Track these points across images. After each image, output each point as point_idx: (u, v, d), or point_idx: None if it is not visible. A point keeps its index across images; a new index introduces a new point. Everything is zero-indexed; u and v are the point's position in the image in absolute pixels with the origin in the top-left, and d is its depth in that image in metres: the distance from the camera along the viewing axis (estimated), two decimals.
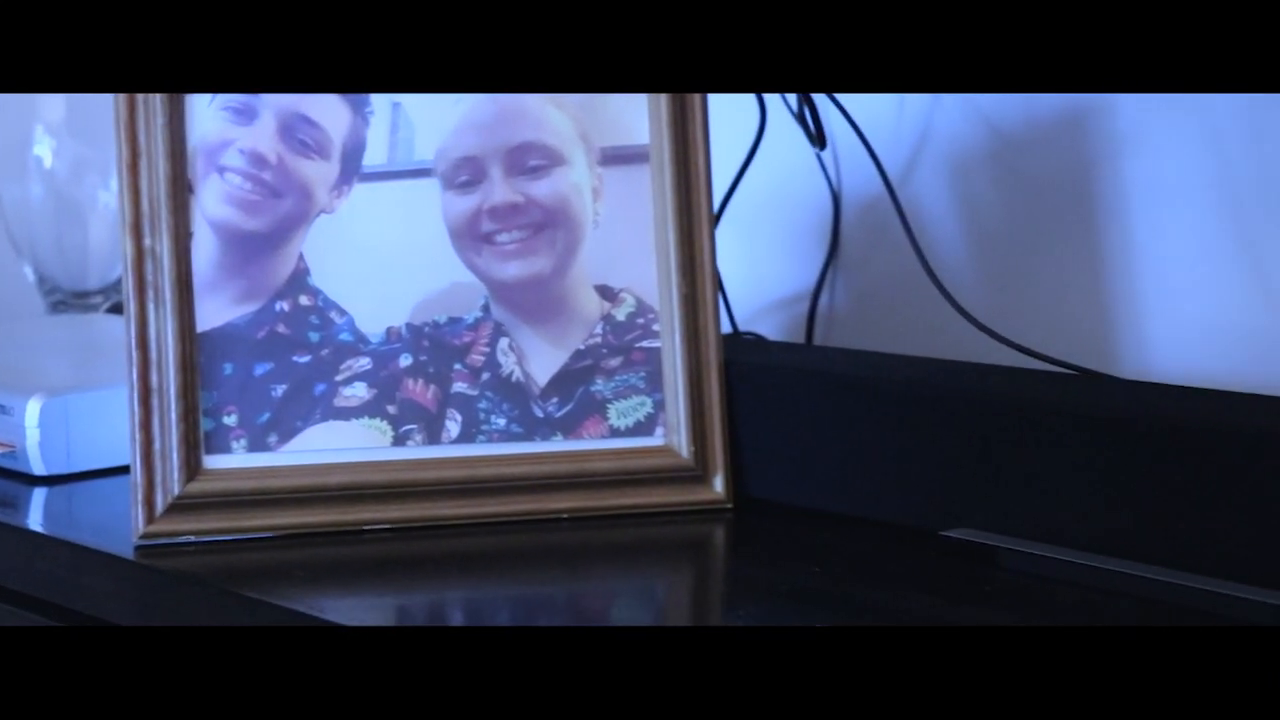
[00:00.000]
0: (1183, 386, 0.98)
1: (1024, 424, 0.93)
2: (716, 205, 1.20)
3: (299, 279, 0.99)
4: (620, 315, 1.02)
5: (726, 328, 1.18)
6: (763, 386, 1.03)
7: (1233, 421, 0.88)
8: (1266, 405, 0.91)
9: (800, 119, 1.15)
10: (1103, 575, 0.88)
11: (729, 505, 1.01)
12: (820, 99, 1.17)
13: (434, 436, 0.99)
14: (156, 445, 0.95)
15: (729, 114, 1.20)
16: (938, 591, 0.89)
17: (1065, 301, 1.13)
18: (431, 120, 1.00)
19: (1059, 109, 1.13)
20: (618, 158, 1.02)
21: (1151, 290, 1.09)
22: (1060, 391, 0.96)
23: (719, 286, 1.11)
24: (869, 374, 1.01)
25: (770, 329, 1.28)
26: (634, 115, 1.02)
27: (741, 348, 1.10)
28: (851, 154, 1.21)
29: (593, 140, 1.02)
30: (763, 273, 1.29)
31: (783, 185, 1.27)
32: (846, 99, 1.18)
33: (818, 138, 1.13)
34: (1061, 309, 1.13)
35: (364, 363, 0.99)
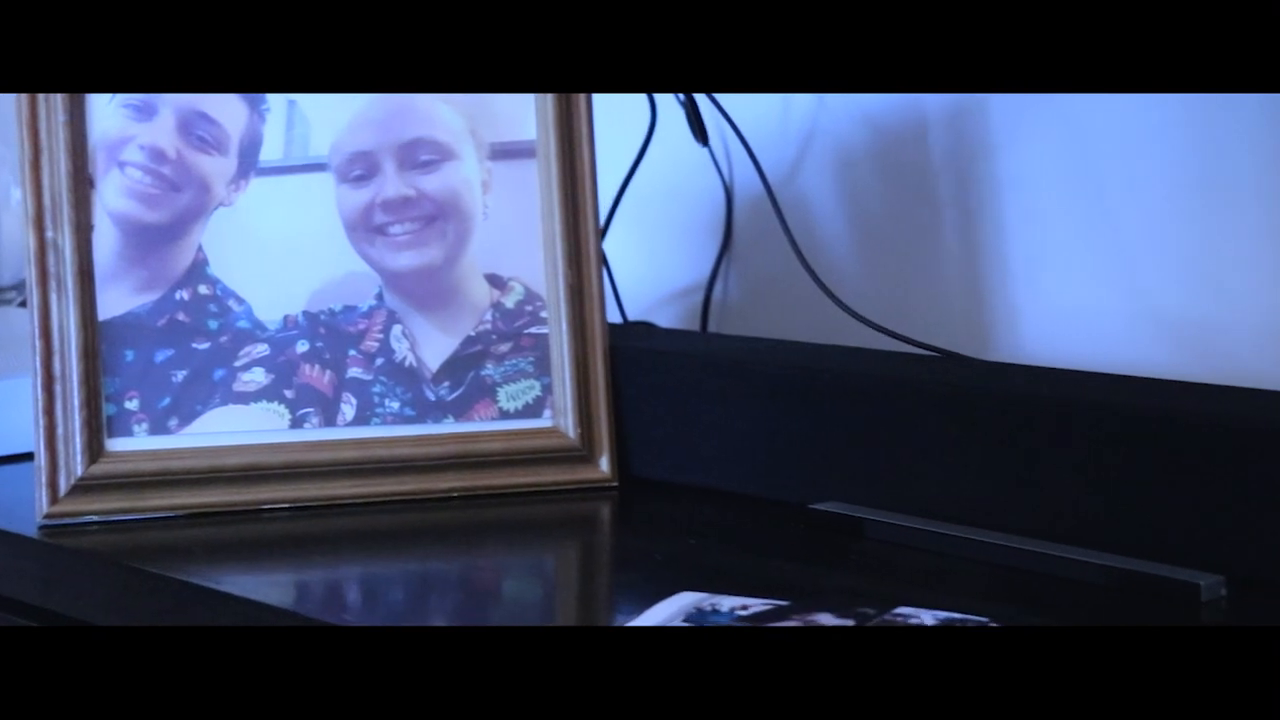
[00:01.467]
0: (1038, 366, 1.04)
1: (889, 403, 0.99)
2: (610, 200, 1.26)
3: (198, 269, 1.03)
4: (509, 303, 1.07)
5: (616, 316, 1.23)
6: (647, 371, 1.08)
7: (1079, 397, 0.93)
8: (1115, 382, 0.97)
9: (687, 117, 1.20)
10: (958, 542, 0.93)
11: (614, 483, 1.06)
12: (704, 98, 1.22)
13: (330, 419, 1.04)
14: (60, 429, 0.99)
15: (622, 111, 1.25)
16: (804, 560, 0.94)
17: (941, 289, 1.19)
18: (326, 117, 1.04)
19: (937, 107, 1.18)
20: (506, 153, 1.07)
21: (1021, 277, 1.15)
22: (923, 372, 1.01)
23: (608, 276, 1.16)
24: (744, 358, 1.06)
25: (668, 319, 1.33)
26: (521, 112, 1.07)
27: (628, 334, 1.15)
28: (742, 150, 1.26)
29: (482, 136, 1.06)
30: (661, 265, 1.34)
31: (677, 181, 1.31)
32: (734, 98, 1.23)
33: (700, 134, 1.18)
34: (938, 297, 1.19)
35: (262, 349, 1.03)
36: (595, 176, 1.08)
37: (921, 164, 1.19)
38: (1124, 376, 0.99)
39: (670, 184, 1.32)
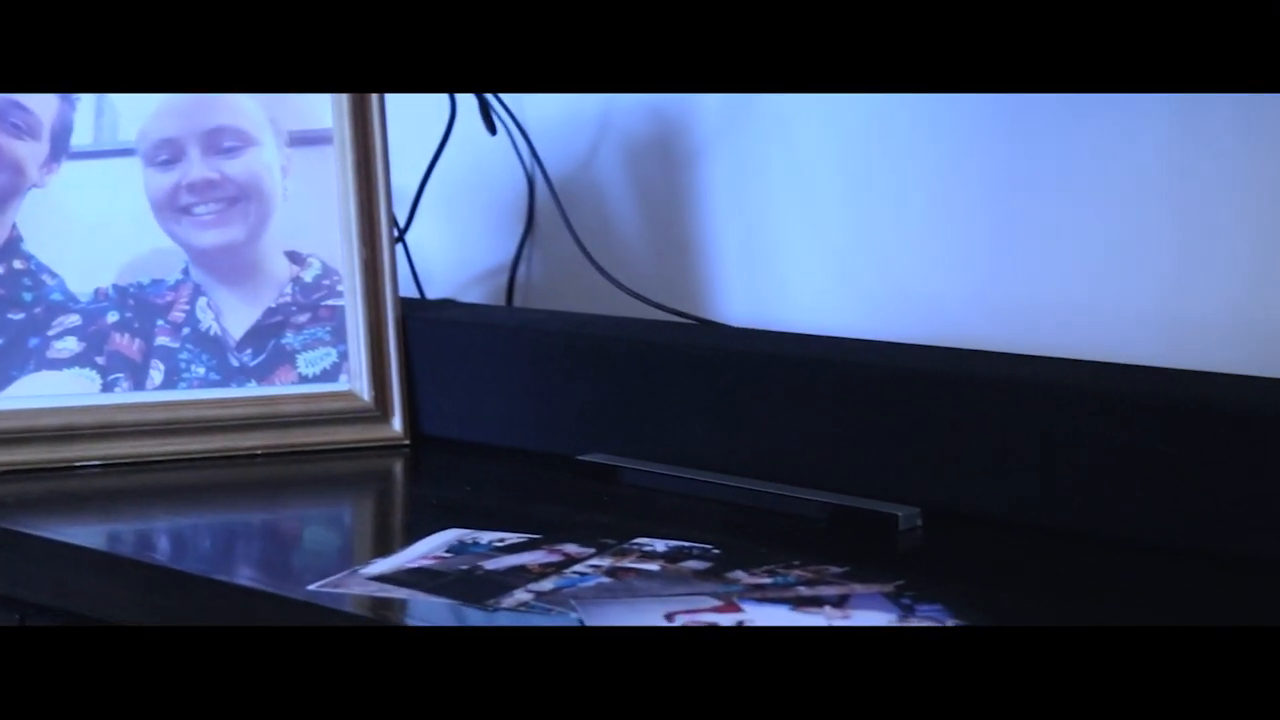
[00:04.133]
0: (783, 332, 1.15)
1: (649, 364, 1.10)
2: (416, 186, 1.35)
3: (12, 246, 1.12)
4: (308, 277, 1.16)
5: (414, 292, 1.33)
6: (437, 340, 1.18)
7: (803, 355, 1.04)
8: (848, 345, 1.09)
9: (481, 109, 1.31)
10: (699, 485, 1.04)
11: (406, 442, 1.16)
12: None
13: (139, 383, 1.13)
14: None
15: (428, 102, 1.35)
16: (566, 503, 1.05)
17: (716, 266, 1.30)
18: (133, 106, 1.14)
19: (715, 100, 1.29)
20: (304, 140, 1.17)
21: (788, 256, 1.26)
22: (678, 338, 1.12)
23: (406, 255, 1.25)
24: (522, 327, 1.16)
25: (476, 298, 1.43)
26: (318, 103, 1.17)
27: (423, 307, 1.25)
28: (544, 139, 1.36)
29: (281, 125, 1.16)
30: (469, 248, 1.44)
31: (484, 169, 1.42)
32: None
33: (489, 125, 1.28)
34: (711, 272, 1.30)
35: (74, 319, 1.12)
36: (388, 162, 1.17)
37: (699, 151, 1.30)
38: (846, 339, 1.11)
39: (478, 172, 1.42)
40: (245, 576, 0.94)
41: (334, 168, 1.16)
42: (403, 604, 0.86)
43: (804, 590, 0.86)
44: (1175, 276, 1.08)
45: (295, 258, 1.16)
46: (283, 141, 1.16)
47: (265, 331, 1.15)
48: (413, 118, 1.37)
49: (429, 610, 0.85)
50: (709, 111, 1.28)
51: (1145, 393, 0.94)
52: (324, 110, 1.17)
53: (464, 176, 1.41)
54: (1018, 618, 0.82)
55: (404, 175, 1.39)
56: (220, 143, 1.15)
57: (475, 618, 0.84)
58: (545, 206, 1.40)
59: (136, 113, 1.14)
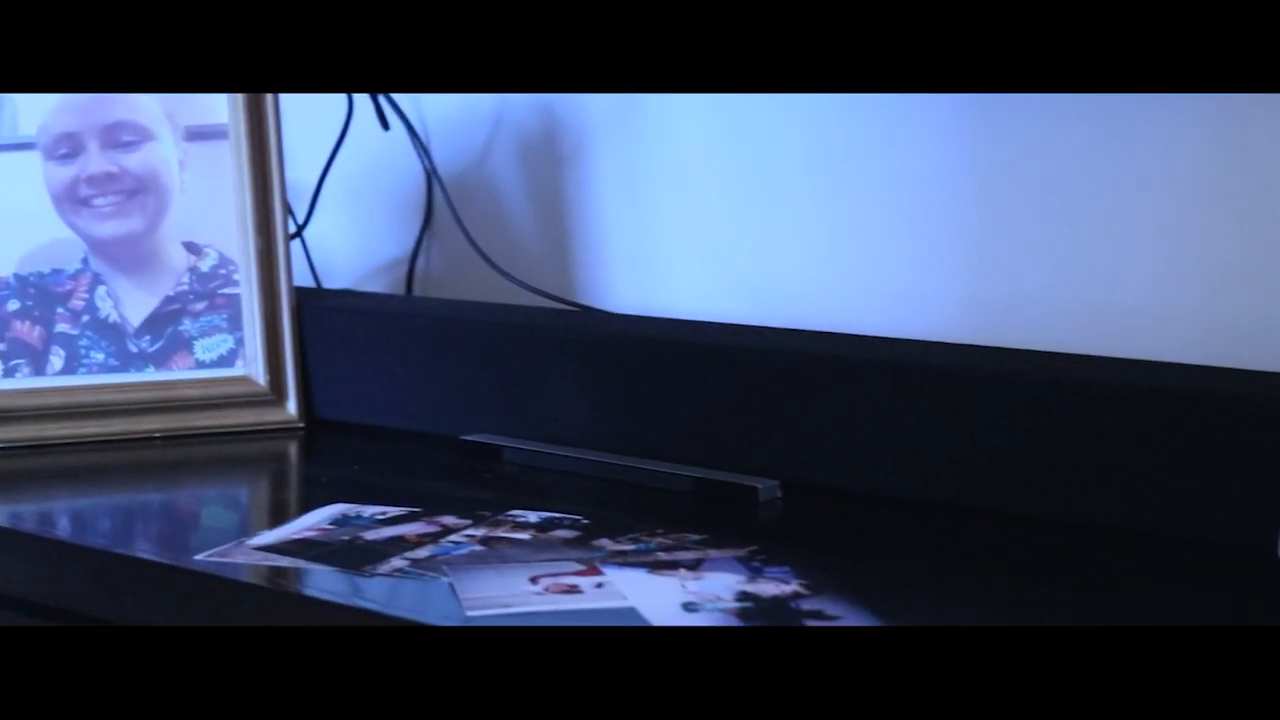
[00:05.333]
0: (654, 317, 1.21)
1: (532, 348, 1.15)
2: (315, 181, 1.40)
3: None
4: (204, 267, 1.21)
5: (310, 281, 1.37)
6: (332, 327, 1.23)
7: (684, 339, 1.10)
8: (719, 329, 1.14)
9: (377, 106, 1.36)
10: (575, 462, 1.09)
11: (301, 425, 1.21)
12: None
13: (40, 369, 1.17)
14: None
15: (328, 99, 1.39)
16: (449, 480, 1.10)
17: (604, 256, 1.35)
18: (32, 101, 1.18)
19: (607, 102, 1.35)
20: (201, 134, 1.21)
21: (670, 246, 1.31)
22: (560, 323, 1.18)
23: (304, 247, 1.29)
24: (412, 316, 1.21)
25: (378, 288, 1.48)
26: (214, 99, 1.21)
27: (319, 295, 1.30)
28: (440, 135, 1.41)
29: (178, 120, 1.21)
30: (372, 240, 1.49)
31: (386, 164, 1.46)
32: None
33: (383, 122, 1.33)
34: (599, 262, 1.35)
35: None
36: (282, 156, 1.22)
37: (588, 146, 1.36)
38: (717, 323, 1.17)
39: (378, 168, 1.46)
40: (141, 550, 0.98)
41: (230, 162, 1.21)
42: (284, 571, 0.91)
43: (663, 555, 0.92)
44: (980, 260, 1.14)
45: (192, 248, 1.21)
46: (180, 136, 1.21)
47: (163, 319, 1.20)
48: (312, 114, 1.42)
49: (311, 577, 0.90)
50: (598, 108, 1.34)
51: (992, 370, 1.00)
52: (220, 106, 1.21)
53: (365, 172, 1.46)
54: (861, 581, 0.88)
55: (306, 170, 1.44)
56: (119, 137, 1.19)
57: (352, 583, 0.89)
58: (443, 200, 1.45)
59: (36, 108, 1.18)
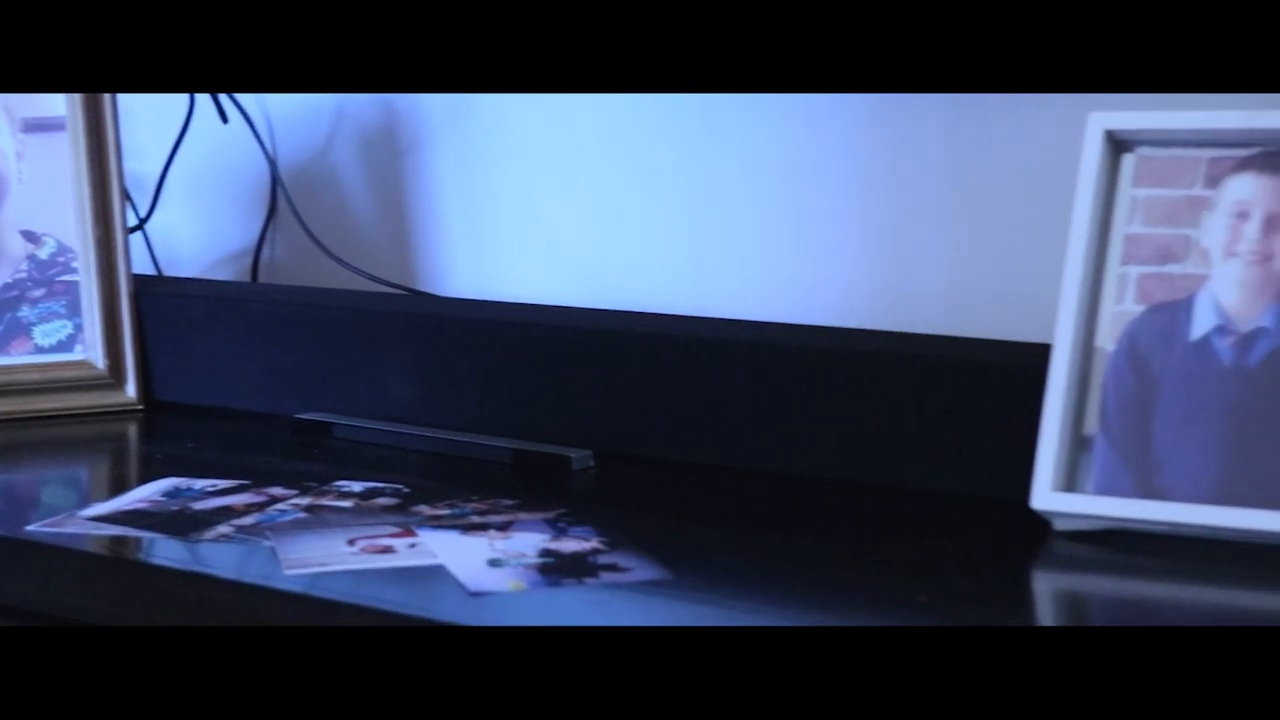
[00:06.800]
0: (481, 300, 1.26)
1: (363, 330, 1.20)
2: (159, 173, 1.44)
3: None
4: (43, 255, 1.25)
5: (150, 269, 1.41)
6: (171, 312, 1.27)
7: (507, 319, 1.15)
8: (541, 311, 1.20)
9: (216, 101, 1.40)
10: (405, 437, 1.15)
11: (140, 407, 1.25)
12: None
13: None
14: None
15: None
16: (281, 455, 1.14)
17: (441, 244, 1.40)
18: None
19: (444, 98, 1.39)
20: (38, 126, 1.25)
21: (504, 234, 1.37)
22: (391, 306, 1.23)
23: (144, 236, 1.32)
24: (247, 298, 1.26)
25: (224, 278, 1.51)
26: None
27: (159, 283, 1.34)
28: (283, 128, 1.46)
29: (15, 112, 1.24)
30: (217, 231, 1.53)
31: (230, 157, 1.50)
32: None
33: (221, 115, 1.38)
34: (437, 250, 1.40)
35: None
36: (120, 147, 1.26)
37: (426, 140, 1.41)
38: (542, 305, 1.23)
39: (222, 160, 1.50)
40: None
41: (68, 152, 1.25)
42: (112, 539, 0.95)
43: (475, 519, 0.97)
44: (791, 242, 1.21)
45: (31, 237, 1.24)
46: (17, 128, 1.24)
47: (1, 305, 1.23)
48: (156, 108, 1.45)
49: (138, 544, 0.94)
50: (435, 104, 1.39)
51: (783, 345, 1.06)
52: (57, 99, 1.25)
53: (210, 165, 1.50)
54: (656, 538, 0.94)
55: (152, 163, 1.47)
56: None
57: (177, 548, 0.93)
58: (289, 191, 1.49)
59: None
